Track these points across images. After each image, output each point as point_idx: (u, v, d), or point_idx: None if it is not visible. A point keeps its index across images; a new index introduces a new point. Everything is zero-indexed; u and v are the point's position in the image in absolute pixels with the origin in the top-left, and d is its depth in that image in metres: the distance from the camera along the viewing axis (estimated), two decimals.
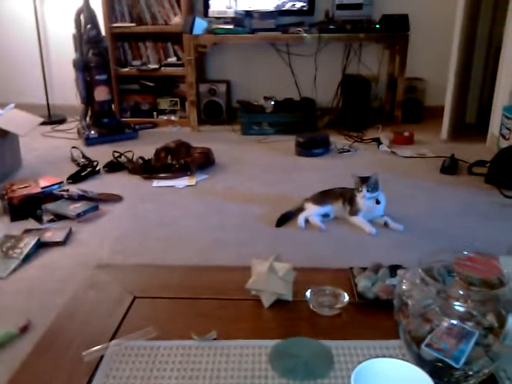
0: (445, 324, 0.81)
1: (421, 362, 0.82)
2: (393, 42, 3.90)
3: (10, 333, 1.60)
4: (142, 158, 3.17)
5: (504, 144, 3.25)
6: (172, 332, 1.07)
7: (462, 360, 0.77)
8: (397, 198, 2.66)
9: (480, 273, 0.86)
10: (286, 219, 2.43)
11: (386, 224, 2.37)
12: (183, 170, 3.07)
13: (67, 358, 1.02)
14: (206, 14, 4.11)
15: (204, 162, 3.20)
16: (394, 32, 3.78)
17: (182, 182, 2.97)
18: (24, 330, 1.64)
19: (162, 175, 3.04)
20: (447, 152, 3.33)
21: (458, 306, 0.82)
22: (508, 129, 3.25)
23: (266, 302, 1.14)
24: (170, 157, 3.18)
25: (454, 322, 0.81)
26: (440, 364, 0.79)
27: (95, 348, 1.03)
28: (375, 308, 1.11)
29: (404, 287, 0.91)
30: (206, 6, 4.12)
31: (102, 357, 1.01)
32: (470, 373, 0.80)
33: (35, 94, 4.55)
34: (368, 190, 2.32)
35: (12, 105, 3.36)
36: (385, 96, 4.29)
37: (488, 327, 0.80)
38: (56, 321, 1.18)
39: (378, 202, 2.37)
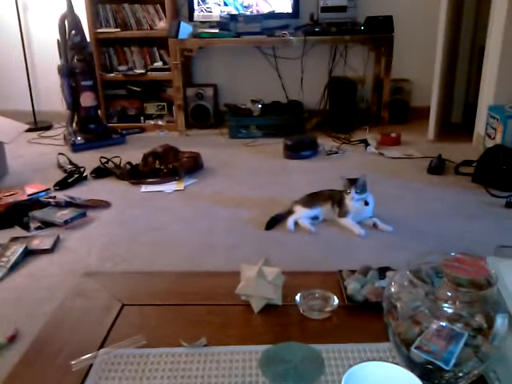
0: (434, 326, 0.81)
1: (411, 364, 0.82)
2: (378, 43, 3.93)
3: None
4: (129, 163, 3.16)
5: (490, 143, 3.28)
6: (161, 339, 1.06)
7: (452, 362, 0.77)
8: (385, 199, 2.67)
9: (468, 274, 0.87)
10: (275, 222, 2.43)
11: (374, 225, 2.38)
12: (171, 175, 3.06)
13: (55, 367, 1.01)
14: (191, 19, 4.10)
15: (192, 166, 3.19)
16: (379, 34, 3.80)
17: (170, 187, 2.96)
18: (12, 339, 1.61)
19: (150, 180, 3.03)
20: (434, 152, 3.36)
21: (447, 308, 0.82)
22: (493, 128, 3.29)
23: (256, 306, 1.14)
24: (157, 162, 3.16)
25: (443, 323, 0.81)
26: (430, 366, 0.79)
27: (84, 357, 1.02)
28: (365, 311, 1.11)
29: (392, 290, 0.91)
30: (191, 10, 4.11)
31: (90, 366, 1.00)
32: (460, 374, 0.80)
33: (20, 100, 4.50)
34: (356, 192, 2.33)
35: None
36: (371, 97, 4.32)
37: (477, 328, 0.80)
38: (44, 330, 1.16)
39: (366, 204, 2.38)
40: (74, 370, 0.99)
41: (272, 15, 4.08)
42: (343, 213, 2.40)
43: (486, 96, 3.50)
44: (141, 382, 0.94)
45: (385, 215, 2.45)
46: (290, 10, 4.10)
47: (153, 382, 0.93)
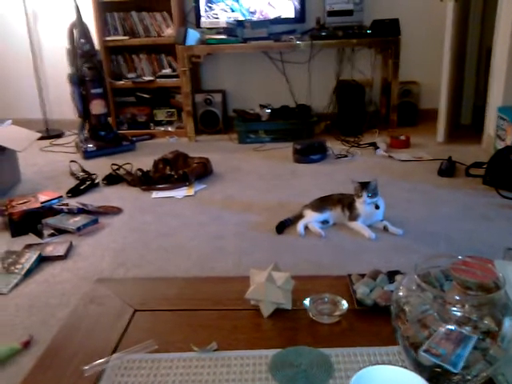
0: (442, 329, 0.82)
1: (419, 367, 0.83)
2: (385, 46, 3.93)
3: (12, 348, 1.61)
4: (140, 169, 3.19)
5: (500, 145, 3.26)
6: (172, 344, 1.08)
7: (460, 365, 0.77)
8: (395, 202, 2.67)
9: (476, 277, 0.87)
10: (284, 226, 2.43)
11: (385, 228, 2.38)
12: (182, 181, 3.08)
13: (69, 372, 1.03)
14: (198, 25, 4.14)
15: (202, 171, 3.21)
16: (386, 37, 3.80)
17: (180, 193, 2.98)
18: (26, 345, 1.64)
19: (160, 186, 3.05)
20: (444, 154, 3.35)
21: (455, 311, 0.83)
22: (503, 129, 3.27)
23: (266, 311, 1.15)
24: (168, 168, 3.19)
25: (452, 327, 0.82)
26: (438, 369, 0.80)
27: (96, 362, 1.03)
28: (374, 314, 1.12)
29: (401, 293, 0.91)
30: (198, 17, 4.15)
31: (103, 371, 1.01)
32: (469, 377, 0.80)
33: (32, 109, 4.57)
34: (368, 196, 2.33)
35: (9, 121, 3.38)
36: (379, 100, 4.31)
37: (485, 331, 0.81)
38: (57, 336, 1.18)
39: (377, 207, 2.38)
40: (86, 375, 1.01)
41: (278, 20, 4.10)
42: (354, 216, 2.40)
43: (495, 97, 3.48)
44: None
45: (395, 218, 2.45)
46: (297, 15, 4.11)
47: None
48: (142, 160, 3.49)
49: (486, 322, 0.81)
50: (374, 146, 3.68)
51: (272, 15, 4.09)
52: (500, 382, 0.85)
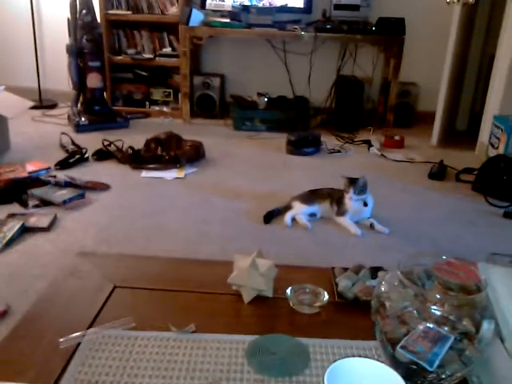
0: (421, 327, 0.82)
1: (395, 363, 0.83)
2: (388, 45, 3.91)
3: None
4: (131, 147, 3.16)
5: (492, 153, 3.28)
6: (150, 323, 1.07)
7: (436, 363, 0.78)
8: (384, 201, 2.67)
9: (458, 278, 0.87)
10: (272, 216, 2.43)
11: (372, 226, 2.38)
12: (173, 162, 3.06)
13: (44, 343, 1.02)
14: (203, 6, 4.09)
15: (194, 155, 3.19)
16: (390, 35, 3.79)
17: (170, 174, 2.96)
18: (3, 314, 1.62)
19: (151, 166, 3.03)
20: (436, 158, 3.36)
21: (435, 310, 0.83)
22: (497, 138, 3.29)
23: (247, 297, 1.14)
24: (160, 148, 3.16)
25: (430, 325, 0.82)
26: (414, 366, 0.80)
27: (72, 335, 1.02)
28: (354, 308, 1.12)
29: (382, 288, 0.91)
30: None
31: (78, 344, 1.00)
32: (443, 376, 0.81)
33: (27, 77, 4.50)
34: (355, 192, 2.33)
35: (2, 87, 3.32)
36: (378, 99, 4.31)
37: (463, 332, 0.81)
38: (34, 306, 1.17)
39: (365, 204, 2.38)
40: (61, 347, 1.00)
41: (284, 9, 4.06)
42: (341, 212, 2.40)
43: (493, 105, 3.49)
44: (127, 363, 0.95)
45: (383, 217, 2.46)
46: (303, 5, 4.08)
47: (139, 364, 0.94)
48: (134, 138, 3.46)
49: (464, 323, 0.82)
50: (368, 143, 3.68)
51: (278, 3, 4.06)
52: (474, 383, 0.85)
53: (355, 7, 3.93)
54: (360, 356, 0.92)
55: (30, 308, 1.15)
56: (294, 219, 2.41)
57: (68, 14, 3.67)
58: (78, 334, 1.03)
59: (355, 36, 3.80)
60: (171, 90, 4.32)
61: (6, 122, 3.23)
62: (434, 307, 0.83)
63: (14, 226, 2.17)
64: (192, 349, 0.98)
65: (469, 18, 3.68)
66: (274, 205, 2.49)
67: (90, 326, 1.06)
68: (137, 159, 3.07)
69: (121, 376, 0.91)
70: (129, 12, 4.12)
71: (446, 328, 0.81)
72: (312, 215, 2.46)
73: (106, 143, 3.25)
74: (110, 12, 4.10)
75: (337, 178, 2.46)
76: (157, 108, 4.30)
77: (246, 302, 1.14)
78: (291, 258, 2.08)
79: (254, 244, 2.18)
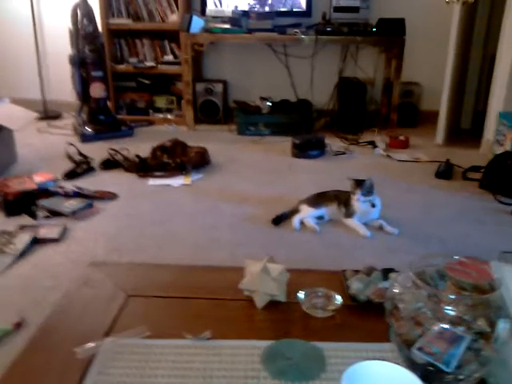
0: (436, 328, 0.82)
1: (412, 365, 0.83)
2: (389, 45, 3.92)
3: (3, 330, 1.60)
4: (138, 156, 3.17)
5: (499, 150, 3.27)
6: (165, 331, 1.08)
7: (453, 364, 0.78)
8: (392, 201, 2.67)
9: (471, 278, 0.87)
10: (280, 220, 2.43)
11: (380, 227, 2.38)
12: (179, 169, 3.07)
13: (60, 354, 1.03)
14: (203, 13, 4.11)
15: (200, 161, 3.20)
16: (391, 36, 3.79)
17: (177, 181, 2.97)
18: (17, 326, 1.63)
19: (157, 174, 3.04)
20: (442, 157, 3.35)
21: (449, 310, 0.83)
22: (503, 135, 3.28)
23: (259, 302, 1.15)
24: (165, 156, 3.18)
25: (445, 326, 0.82)
26: (431, 368, 0.80)
27: (88, 345, 1.03)
28: (367, 310, 1.12)
29: (395, 290, 0.92)
30: (204, 4, 4.12)
31: (95, 354, 1.01)
32: (461, 377, 0.81)
33: (31, 89, 4.53)
34: (363, 194, 2.33)
35: (7, 99, 3.35)
36: (381, 99, 4.30)
37: (479, 332, 0.81)
38: (49, 318, 1.18)
39: (373, 206, 2.38)
40: (78, 357, 1.00)
41: (284, 13, 4.08)
42: (349, 214, 2.40)
43: (496, 102, 3.48)
44: (144, 371, 0.95)
45: (391, 218, 2.45)
46: (303, 9, 4.09)
47: (156, 373, 0.95)
48: (139, 146, 3.47)
49: (479, 322, 0.82)
50: (373, 144, 3.68)
51: (282, 8, 4.06)
52: (492, 383, 0.85)
53: (355, 9, 3.94)
54: (376, 359, 0.93)
55: (44, 320, 1.16)
56: (302, 222, 2.42)
57: (69, 25, 3.70)
58: (93, 343, 1.04)
59: (356, 38, 3.80)
60: (174, 98, 4.33)
61: (11, 134, 3.25)
62: (448, 307, 0.83)
63: (25, 238, 2.18)
64: (207, 356, 0.99)
65: (469, 17, 3.68)
66: (281, 209, 2.49)
67: (105, 336, 1.07)
68: (143, 167, 3.08)
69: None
70: (129, 21, 4.14)
71: (461, 328, 0.81)
72: (320, 218, 2.46)
73: (112, 152, 3.27)
74: (111, 21, 4.12)
75: (343, 180, 2.46)
76: (160, 116, 4.32)
77: (259, 308, 1.14)
78: (301, 262, 2.08)
79: (263, 249, 2.18)
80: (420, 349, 0.80)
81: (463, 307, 0.83)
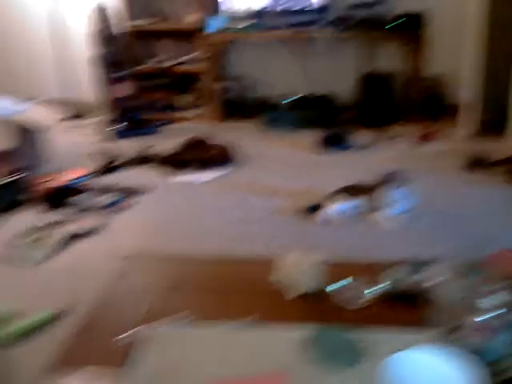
0: (478, 318, 0.82)
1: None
2: (410, 38, 3.88)
3: (44, 318, 1.63)
4: (165, 152, 3.22)
5: None
6: (204, 319, 1.09)
7: (500, 351, 0.78)
8: (421, 193, 2.65)
9: (509, 269, 0.87)
10: (314, 210, 2.44)
11: (410, 220, 2.37)
12: (205, 165, 3.11)
13: (102, 342, 1.05)
14: (221, 12, 4.12)
15: (225, 157, 3.24)
16: (410, 30, 3.76)
17: (205, 177, 3.01)
18: (57, 318, 1.67)
19: (187, 169, 3.09)
20: (470, 148, 3.31)
21: (490, 300, 0.83)
22: None
23: (294, 293, 1.16)
24: (192, 152, 3.22)
25: (487, 315, 0.82)
26: (476, 356, 0.80)
27: (128, 333, 1.05)
28: (403, 301, 1.12)
29: (434, 281, 0.92)
30: (222, 4, 4.13)
31: (136, 341, 1.03)
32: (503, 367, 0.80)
33: (57, 90, 4.60)
34: (392, 186, 2.33)
35: (34, 101, 3.42)
36: (404, 93, 4.26)
37: None
38: (89, 309, 1.21)
39: (402, 198, 2.37)
40: (119, 345, 1.03)
41: (302, 11, 4.07)
42: (379, 206, 2.40)
43: None
44: (183, 357, 0.97)
45: (421, 210, 2.44)
46: (320, 5, 4.07)
47: (197, 358, 0.96)
48: (164, 143, 3.52)
49: None
50: (399, 137, 3.65)
51: (300, 5, 4.06)
52: None
53: (373, 4, 3.91)
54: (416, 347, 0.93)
55: (84, 311, 1.19)
56: (332, 214, 2.42)
57: (91, 27, 3.75)
58: (133, 331, 1.06)
59: (374, 33, 3.78)
60: (196, 96, 4.37)
61: (41, 134, 3.32)
62: (488, 297, 0.83)
63: (60, 233, 2.24)
64: (252, 339, 1.00)
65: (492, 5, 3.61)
66: (310, 201, 2.50)
67: (145, 324, 1.09)
68: (172, 163, 3.13)
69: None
70: (149, 21, 4.19)
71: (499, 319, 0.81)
72: (349, 210, 2.46)
73: (140, 149, 3.32)
74: (132, 22, 4.17)
75: (370, 173, 2.46)
76: (184, 113, 4.35)
77: (294, 298, 1.15)
78: (333, 254, 2.08)
79: (295, 241, 2.19)
80: (464, 337, 0.80)
81: (503, 296, 0.83)
